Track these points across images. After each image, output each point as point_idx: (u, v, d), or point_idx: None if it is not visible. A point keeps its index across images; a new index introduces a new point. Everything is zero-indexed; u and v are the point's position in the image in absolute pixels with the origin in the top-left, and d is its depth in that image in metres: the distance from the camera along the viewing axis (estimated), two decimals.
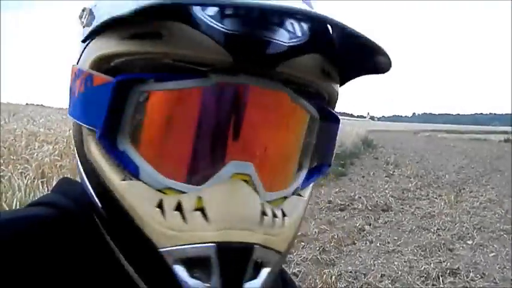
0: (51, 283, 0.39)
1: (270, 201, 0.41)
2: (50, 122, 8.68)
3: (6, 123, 6.98)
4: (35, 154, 4.77)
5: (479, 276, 3.64)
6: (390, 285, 3.42)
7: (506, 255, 4.16)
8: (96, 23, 0.41)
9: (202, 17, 0.37)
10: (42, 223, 0.42)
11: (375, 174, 9.12)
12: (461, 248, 4.41)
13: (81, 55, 0.44)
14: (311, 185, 0.48)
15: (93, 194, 0.42)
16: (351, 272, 3.61)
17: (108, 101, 0.38)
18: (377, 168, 10.11)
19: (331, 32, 0.41)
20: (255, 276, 0.38)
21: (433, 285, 3.47)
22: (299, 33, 0.39)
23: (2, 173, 3.95)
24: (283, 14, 0.38)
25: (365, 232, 4.82)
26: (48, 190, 3.73)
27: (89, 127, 0.41)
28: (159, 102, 0.39)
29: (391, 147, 16.87)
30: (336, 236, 4.48)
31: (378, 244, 4.45)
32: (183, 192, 0.38)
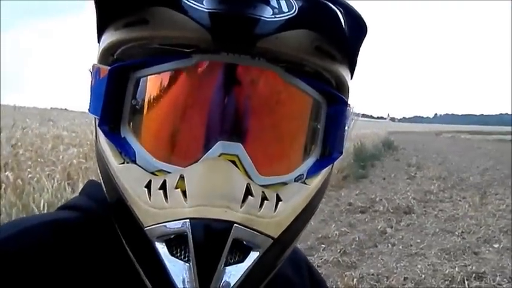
0: (75, 285, 0.41)
1: (265, 185, 0.40)
2: (74, 125, 8.89)
3: (35, 127, 7.19)
4: (61, 157, 4.90)
5: (507, 281, 3.53)
6: None
7: None
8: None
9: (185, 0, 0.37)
10: (67, 227, 0.44)
11: (396, 176, 8.97)
12: (487, 251, 4.29)
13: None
14: (321, 174, 0.46)
15: (101, 179, 0.45)
16: (373, 274, 3.57)
17: (104, 88, 0.41)
18: (398, 170, 9.95)
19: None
20: (242, 259, 0.37)
21: None
22: (285, 9, 0.38)
23: (30, 175, 4.09)
24: None
25: (387, 235, 4.76)
26: (73, 191, 3.84)
27: (95, 116, 0.44)
28: (147, 87, 0.42)
29: (413, 148, 16.55)
30: (357, 239, 4.43)
31: (401, 247, 4.38)
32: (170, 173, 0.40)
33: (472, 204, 6.26)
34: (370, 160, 10.77)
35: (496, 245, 4.46)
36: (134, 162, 0.41)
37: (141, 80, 0.41)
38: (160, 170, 0.40)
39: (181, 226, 0.36)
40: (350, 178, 7.96)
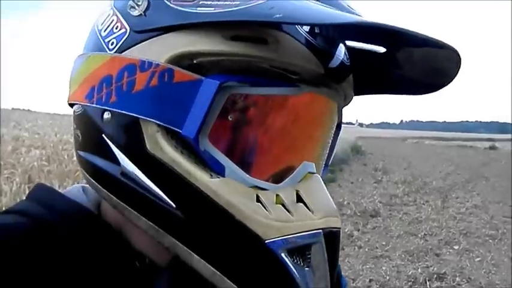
0: None
1: None
2: (36, 126, 8.56)
3: None
4: (22, 159, 4.71)
5: (465, 281, 3.69)
6: None
7: (491, 260, 4.23)
8: (181, 17, 0.40)
9: (301, 31, 0.41)
10: (12, 234, 0.41)
11: (364, 180, 9.19)
12: (447, 253, 4.46)
13: (133, 45, 0.41)
14: None
15: (159, 193, 0.40)
16: None
17: (209, 102, 0.38)
18: (365, 174, 10.19)
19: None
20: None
21: None
22: (347, 55, 0.46)
23: None
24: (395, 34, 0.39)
25: (354, 238, 4.85)
26: None
27: (164, 124, 0.39)
28: (250, 105, 0.42)
29: (380, 153, 17.01)
30: None
31: (367, 249, 4.48)
32: (265, 189, 0.41)
33: (435, 208, 6.50)
34: (339, 164, 10.97)
35: (456, 247, 4.65)
36: (222, 176, 0.40)
37: (241, 95, 0.41)
38: (254, 187, 0.40)
39: (313, 236, 0.40)
40: None
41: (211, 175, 0.39)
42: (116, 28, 0.43)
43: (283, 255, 0.39)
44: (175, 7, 0.40)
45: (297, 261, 0.40)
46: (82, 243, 0.43)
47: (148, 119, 0.39)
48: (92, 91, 0.42)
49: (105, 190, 0.43)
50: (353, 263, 4.04)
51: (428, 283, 3.60)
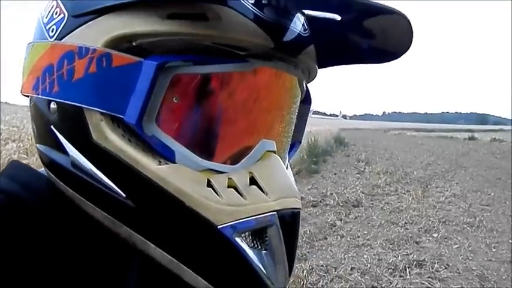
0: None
1: None
2: (15, 119, 8.35)
3: None
4: None
5: (444, 267, 3.78)
6: (360, 278, 3.50)
7: (468, 247, 4.35)
8: None
9: (246, 4, 0.38)
10: None
11: (347, 171, 9.29)
12: (427, 240, 4.57)
13: (72, 31, 0.40)
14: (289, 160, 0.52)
15: (108, 183, 0.39)
16: (322, 266, 3.68)
17: (148, 85, 0.36)
18: (348, 165, 10.30)
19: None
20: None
21: (400, 276, 3.58)
22: (306, 26, 0.43)
23: None
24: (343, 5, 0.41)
25: (336, 227, 4.91)
26: None
27: (107, 112, 0.38)
28: (198, 85, 0.40)
29: (362, 145, 17.21)
30: (308, 232, 4.54)
31: (349, 238, 4.54)
32: (221, 172, 0.40)
33: (415, 197, 6.62)
34: (322, 156, 11.06)
35: (435, 235, 4.76)
36: (172, 162, 0.38)
37: (191, 77, 0.39)
38: (208, 170, 0.39)
39: (268, 219, 0.39)
40: (302, 173, 8.13)
41: (160, 161, 0.38)
42: (56, 14, 0.41)
43: (237, 239, 0.38)
44: None
45: (255, 245, 0.39)
46: (54, 220, 0.42)
47: (90, 107, 0.38)
48: (37, 82, 0.41)
49: (61, 182, 0.42)
50: (335, 251, 4.09)
51: (407, 270, 3.68)
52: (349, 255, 4.03)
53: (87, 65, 0.38)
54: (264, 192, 0.40)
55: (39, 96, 0.41)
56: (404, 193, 7.06)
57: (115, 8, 0.38)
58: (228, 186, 0.39)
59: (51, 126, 0.41)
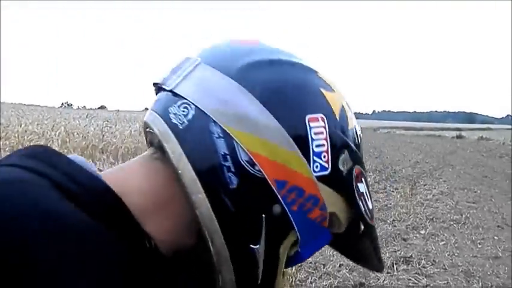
0: None
1: None
2: (1, 117, 8.22)
3: None
4: None
5: (430, 263, 3.83)
6: (348, 274, 3.53)
7: (455, 244, 4.41)
8: None
9: None
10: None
11: None
12: (414, 237, 4.62)
13: (328, 184, 0.46)
14: None
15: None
16: (310, 263, 3.69)
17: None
18: None
19: None
20: None
21: (387, 273, 3.62)
22: None
23: None
24: None
25: None
26: None
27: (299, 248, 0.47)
28: None
29: None
30: None
31: None
32: None
33: (403, 195, 6.69)
34: None
35: (422, 231, 4.81)
36: None
37: None
38: None
39: None
40: None
41: None
42: (324, 157, 0.45)
43: None
44: None
45: None
46: (102, 217, 0.39)
47: (299, 241, 0.47)
48: (284, 184, 0.43)
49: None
50: (324, 249, 4.09)
51: (395, 266, 3.72)
52: (337, 252, 4.05)
53: (321, 218, 0.47)
54: None
55: (279, 196, 0.44)
56: (392, 191, 7.14)
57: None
58: None
59: (263, 216, 0.44)
